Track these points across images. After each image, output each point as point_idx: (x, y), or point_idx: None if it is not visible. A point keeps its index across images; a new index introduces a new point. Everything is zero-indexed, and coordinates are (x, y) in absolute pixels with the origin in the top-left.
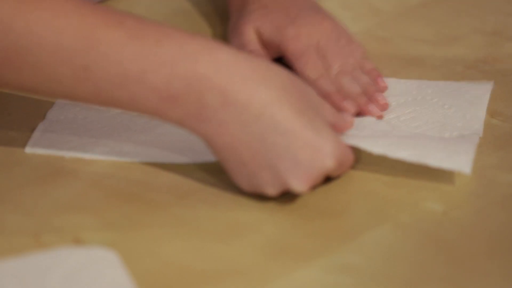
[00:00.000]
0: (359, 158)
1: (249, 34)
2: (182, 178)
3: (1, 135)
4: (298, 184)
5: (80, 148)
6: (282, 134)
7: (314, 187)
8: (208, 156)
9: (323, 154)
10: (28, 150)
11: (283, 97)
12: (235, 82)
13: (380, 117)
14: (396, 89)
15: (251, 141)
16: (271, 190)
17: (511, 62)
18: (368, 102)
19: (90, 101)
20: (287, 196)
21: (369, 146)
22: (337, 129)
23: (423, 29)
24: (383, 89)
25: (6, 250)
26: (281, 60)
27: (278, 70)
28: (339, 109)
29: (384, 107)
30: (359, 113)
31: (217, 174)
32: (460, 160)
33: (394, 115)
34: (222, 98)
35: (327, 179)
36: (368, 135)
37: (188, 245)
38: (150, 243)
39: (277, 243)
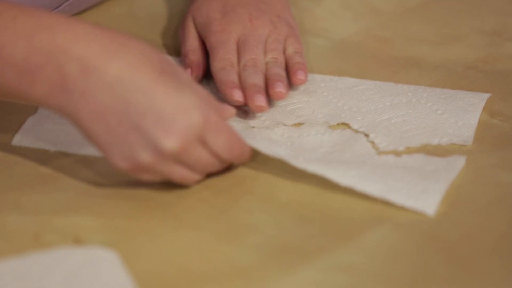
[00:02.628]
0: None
1: (189, 25)
2: None
3: (1, 135)
4: (166, 139)
5: (66, 144)
6: (143, 92)
7: (190, 156)
8: None
9: (187, 107)
10: (15, 142)
11: (141, 60)
12: (93, 50)
13: (261, 108)
14: (392, 90)
15: (115, 104)
16: (144, 154)
17: (511, 62)
18: (256, 92)
19: None
20: (287, 196)
21: (338, 177)
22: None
23: (423, 29)
24: (299, 82)
25: (6, 250)
26: None
27: (137, 41)
28: (228, 97)
29: (278, 95)
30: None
31: (217, 175)
32: (426, 201)
33: (386, 116)
34: (82, 66)
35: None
36: (340, 165)
37: (188, 245)
38: (150, 243)
39: (277, 243)
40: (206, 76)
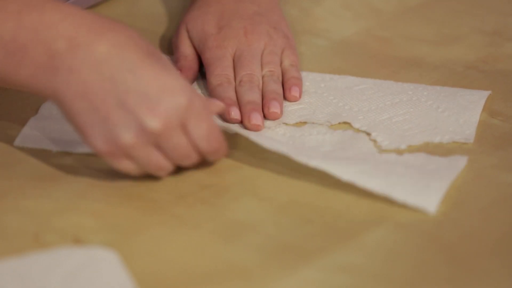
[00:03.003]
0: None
1: (183, 34)
2: (182, 178)
3: (1, 134)
4: (150, 118)
5: (68, 143)
6: (130, 71)
7: (169, 139)
8: None
9: (172, 88)
10: (17, 143)
11: (128, 41)
12: (81, 28)
13: (257, 127)
14: (392, 88)
15: (101, 82)
16: (126, 134)
17: (511, 62)
18: (252, 110)
19: None
20: (287, 196)
21: (340, 172)
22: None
23: (423, 29)
24: (293, 99)
25: (6, 250)
26: None
27: (124, 24)
28: (226, 114)
29: (273, 115)
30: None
31: (217, 174)
32: (427, 198)
33: (387, 115)
34: (70, 42)
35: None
36: (342, 161)
37: (188, 245)
38: (150, 243)
39: (277, 243)
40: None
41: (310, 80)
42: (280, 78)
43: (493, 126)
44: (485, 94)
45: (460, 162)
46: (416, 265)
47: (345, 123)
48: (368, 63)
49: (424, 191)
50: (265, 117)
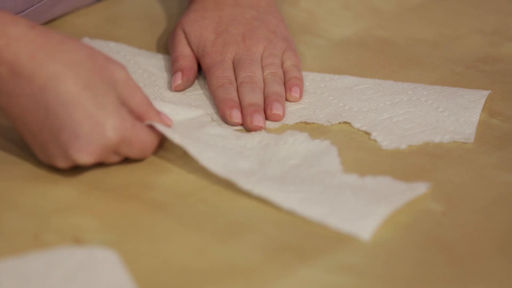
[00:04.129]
0: (359, 159)
1: (179, 36)
2: (182, 178)
3: (1, 134)
4: (80, 156)
5: None
6: (63, 106)
7: (104, 162)
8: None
9: (103, 126)
10: None
11: (71, 70)
12: (24, 55)
13: (259, 128)
14: (392, 88)
15: (37, 113)
16: (61, 162)
17: (511, 62)
18: (254, 112)
19: None
20: None
21: (281, 200)
22: (141, 119)
23: (423, 29)
24: (293, 99)
25: (6, 250)
26: None
27: (74, 45)
28: (227, 117)
29: (275, 117)
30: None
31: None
32: (363, 225)
33: (387, 115)
34: (11, 70)
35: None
36: (286, 187)
37: (188, 245)
38: (150, 243)
39: (277, 243)
40: (201, 89)
41: (310, 80)
42: (282, 79)
43: (493, 126)
44: (485, 93)
45: (418, 189)
46: (416, 265)
47: (345, 123)
48: (368, 63)
49: (362, 216)
50: (266, 118)
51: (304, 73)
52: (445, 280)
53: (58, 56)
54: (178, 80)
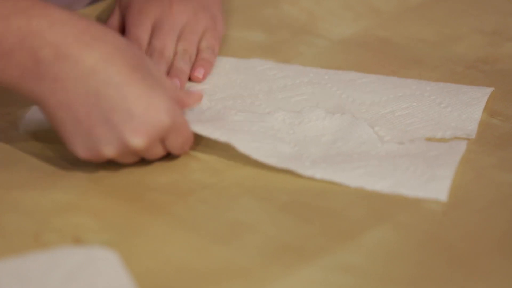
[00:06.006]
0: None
1: (115, 8)
2: (182, 178)
3: (1, 134)
4: (133, 137)
5: None
6: (115, 87)
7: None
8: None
9: (158, 108)
10: (22, 127)
11: (116, 53)
12: (68, 37)
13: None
14: (396, 83)
15: (86, 96)
16: (109, 148)
17: (511, 62)
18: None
19: None
20: (287, 196)
21: (347, 179)
22: (180, 104)
23: (423, 29)
24: (195, 79)
25: (6, 250)
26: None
27: (112, 33)
28: None
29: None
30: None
31: (217, 174)
32: (436, 187)
33: (390, 109)
34: (56, 52)
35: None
36: (346, 162)
37: (188, 245)
38: (150, 243)
39: (277, 243)
40: None
41: (314, 72)
42: (192, 59)
43: (493, 126)
44: (488, 91)
45: (460, 146)
46: (416, 265)
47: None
48: (368, 63)
49: (432, 181)
50: None
51: (308, 68)
52: (445, 280)
53: (103, 40)
54: None
